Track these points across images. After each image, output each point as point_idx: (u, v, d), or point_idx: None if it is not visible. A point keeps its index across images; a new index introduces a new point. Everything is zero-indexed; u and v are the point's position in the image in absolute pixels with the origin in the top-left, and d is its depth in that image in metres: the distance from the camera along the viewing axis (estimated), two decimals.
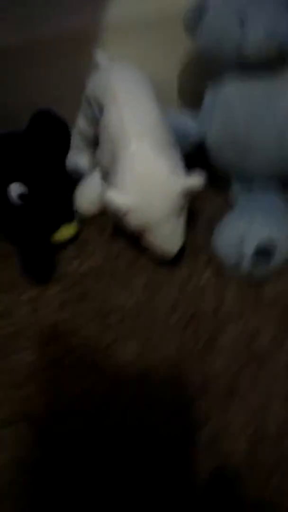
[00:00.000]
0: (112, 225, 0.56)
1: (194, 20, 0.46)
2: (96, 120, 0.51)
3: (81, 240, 0.56)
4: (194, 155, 0.51)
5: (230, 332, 0.44)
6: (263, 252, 0.44)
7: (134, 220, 0.44)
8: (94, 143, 0.57)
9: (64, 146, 0.49)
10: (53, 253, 0.54)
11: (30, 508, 0.38)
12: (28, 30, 0.52)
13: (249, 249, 0.43)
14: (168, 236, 0.46)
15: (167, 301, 0.48)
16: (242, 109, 0.46)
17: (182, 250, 0.49)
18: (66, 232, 0.54)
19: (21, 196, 0.47)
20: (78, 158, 0.58)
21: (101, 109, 0.48)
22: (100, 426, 0.42)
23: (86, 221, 0.57)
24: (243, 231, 0.44)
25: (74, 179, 0.55)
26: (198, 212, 0.54)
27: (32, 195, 0.48)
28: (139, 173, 0.43)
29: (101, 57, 0.52)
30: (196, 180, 0.43)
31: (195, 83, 0.54)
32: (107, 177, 0.50)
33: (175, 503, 0.37)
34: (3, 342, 0.49)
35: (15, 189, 0.47)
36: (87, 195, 0.56)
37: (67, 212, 0.54)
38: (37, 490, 0.39)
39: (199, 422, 0.40)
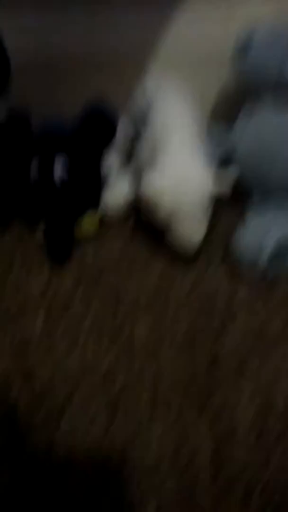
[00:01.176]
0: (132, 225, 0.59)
1: (242, 48, 0.53)
2: (141, 120, 0.56)
3: (102, 236, 0.58)
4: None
5: (242, 319, 0.47)
6: (280, 253, 0.47)
7: (166, 204, 0.48)
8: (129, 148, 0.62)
9: (109, 133, 0.54)
10: (73, 238, 0.56)
11: None
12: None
13: (270, 244, 0.47)
14: (192, 228, 0.49)
15: (183, 288, 0.50)
16: (273, 127, 0.53)
17: (198, 251, 0.52)
18: (89, 226, 0.56)
19: (64, 170, 0.51)
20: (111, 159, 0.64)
21: (149, 111, 0.54)
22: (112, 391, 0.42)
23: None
24: (264, 229, 0.48)
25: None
26: (216, 220, 0.56)
27: (72, 172, 0.52)
28: (178, 159, 0.48)
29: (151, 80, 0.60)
30: (228, 172, 0.49)
31: (228, 102, 0.63)
32: (139, 180, 0.55)
33: None
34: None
35: (60, 163, 0.51)
36: (115, 194, 0.59)
37: (94, 200, 0.57)
38: None
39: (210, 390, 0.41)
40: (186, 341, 0.45)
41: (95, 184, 0.57)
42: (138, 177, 0.56)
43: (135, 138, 0.58)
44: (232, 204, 0.59)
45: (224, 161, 0.56)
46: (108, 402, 0.42)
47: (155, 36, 0.61)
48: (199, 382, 0.42)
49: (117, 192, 0.60)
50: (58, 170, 0.51)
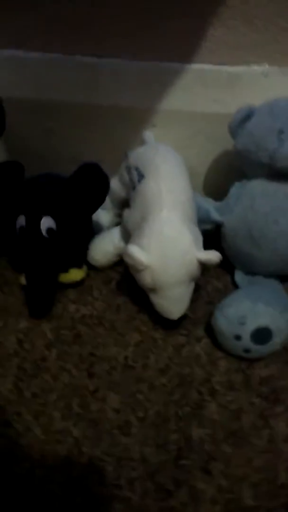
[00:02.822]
0: (119, 278, 0.59)
1: (238, 125, 0.54)
2: (131, 185, 0.56)
3: (85, 287, 0.58)
4: (207, 239, 0.57)
5: (215, 405, 0.45)
6: (260, 336, 0.47)
7: (149, 278, 0.47)
8: (119, 205, 0.62)
9: (101, 197, 0.53)
10: (55, 292, 0.56)
11: None
12: (93, 95, 0.60)
13: (248, 331, 0.46)
14: (175, 300, 0.49)
15: (158, 362, 0.49)
16: (263, 205, 0.52)
17: (182, 317, 0.51)
18: (74, 275, 0.56)
19: (49, 230, 0.50)
20: (102, 214, 0.63)
21: (140, 177, 0.53)
22: (70, 473, 0.40)
23: (93, 271, 0.60)
24: (243, 313, 0.47)
25: (93, 231, 0.59)
26: (202, 288, 0.58)
27: (59, 232, 0.51)
28: (164, 237, 0.47)
29: (148, 136, 0.60)
30: (213, 255, 0.47)
31: (220, 177, 0.62)
32: (128, 236, 0.54)
33: None
34: None
35: (47, 222, 0.50)
36: (102, 248, 0.59)
37: (80, 257, 0.57)
38: None
39: (176, 483, 0.39)
40: (159, 419, 0.44)
41: (83, 238, 0.57)
42: (126, 236, 0.56)
43: (126, 197, 0.59)
44: (220, 272, 0.60)
45: (212, 234, 0.57)
46: (70, 478, 0.40)
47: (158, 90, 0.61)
48: (167, 472, 0.40)
49: (105, 243, 0.60)
50: (46, 223, 0.50)
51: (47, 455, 0.41)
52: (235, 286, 0.58)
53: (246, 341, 0.47)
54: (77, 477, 0.40)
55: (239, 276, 0.58)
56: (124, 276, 0.58)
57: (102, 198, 0.53)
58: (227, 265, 0.59)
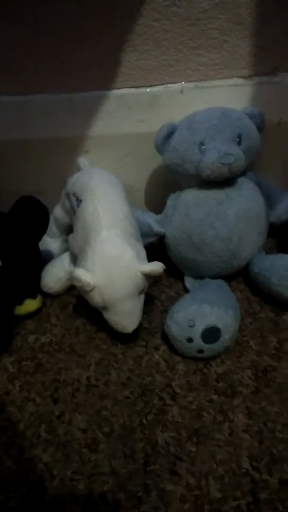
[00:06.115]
0: (75, 301, 0.61)
1: (162, 142, 0.57)
2: (72, 211, 0.58)
3: (42, 315, 0.60)
4: (154, 251, 0.59)
5: (177, 408, 0.47)
6: (209, 335, 0.49)
7: (98, 297, 0.49)
8: (66, 231, 0.64)
9: (41, 228, 0.55)
10: (12, 325, 0.57)
11: None
12: (23, 131, 0.63)
13: (198, 332, 0.49)
14: (126, 314, 0.51)
15: (120, 376, 0.51)
16: (197, 212, 0.55)
17: (138, 329, 0.53)
18: (29, 306, 0.57)
19: None
20: (50, 242, 0.65)
21: (79, 202, 0.56)
22: (43, 497, 0.41)
23: (50, 298, 0.61)
24: (191, 316, 0.50)
25: (43, 259, 0.61)
26: (156, 298, 0.60)
27: (5, 267, 0.52)
28: (106, 256, 0.49)
29: (83, 162, 0.62)
30: (155, 266, 0.49)
31: (158, 191, 0.65)
32: (76, 260, 0.56)
33: None
34: None
35: None
36: (54, 274, 0.61)
37: (32, 288, 0.59)
38: None
39: (146, 489, 0.41)
40: (124, 431, 0.45)
41: (32, 269, 0.58)
42: (75, 260, 0.58)
43: (70, 223, 0.61)
44: (171, 281, 0.63)
45: (158, 246, 0.60)
46: (44, 502, 0.41)
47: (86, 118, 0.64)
48: (137, 480, 0.42)
49: (56, 270, 0.61)
50: None
51: (20, 484, 0.42)
52: (187, 291, 0.61)
53: (198, 342, 0.49)
54: (50, 500, 0.41)
55: (188, 282, 0.61)
56: (80, 299, 0.60)
57: (43, 228, 0.55)
58: (177, 273, 0.63)
